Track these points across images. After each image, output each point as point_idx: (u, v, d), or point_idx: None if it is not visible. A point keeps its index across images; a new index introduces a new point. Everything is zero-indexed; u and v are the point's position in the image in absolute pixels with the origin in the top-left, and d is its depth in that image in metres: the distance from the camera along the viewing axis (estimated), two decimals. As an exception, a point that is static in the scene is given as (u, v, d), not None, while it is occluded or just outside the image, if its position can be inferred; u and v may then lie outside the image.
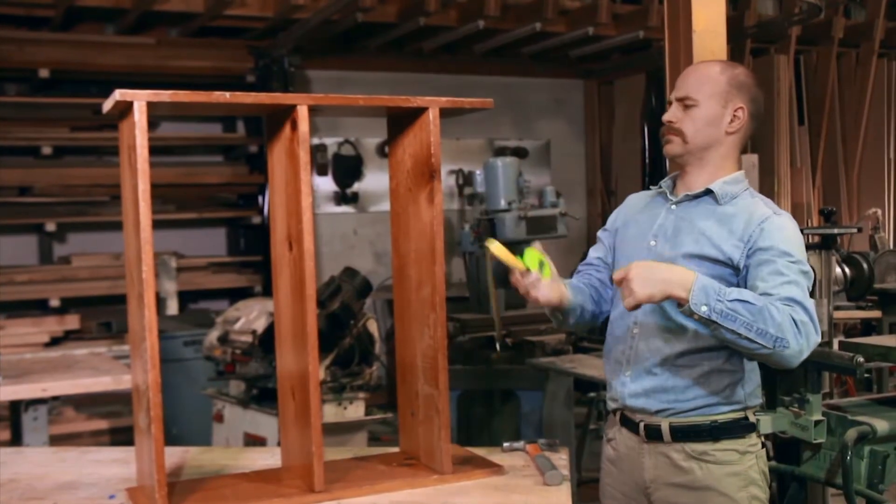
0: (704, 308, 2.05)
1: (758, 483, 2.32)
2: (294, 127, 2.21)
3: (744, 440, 2.31)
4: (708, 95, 2.31)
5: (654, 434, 2.32)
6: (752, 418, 2.34)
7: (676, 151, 2.35)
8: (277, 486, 2.29)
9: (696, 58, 4.22)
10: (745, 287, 2.20)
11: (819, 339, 2.16)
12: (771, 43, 8.25)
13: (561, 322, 2.51)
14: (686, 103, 2.32)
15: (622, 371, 2.37)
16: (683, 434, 2.29)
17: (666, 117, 2.35)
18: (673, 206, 2.37)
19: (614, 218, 2.56)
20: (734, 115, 2.32)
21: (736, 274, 2.24)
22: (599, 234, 2.59)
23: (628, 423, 2.38)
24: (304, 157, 2.19)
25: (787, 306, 2.10)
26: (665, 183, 2.45)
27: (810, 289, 2.23)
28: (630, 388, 2.34)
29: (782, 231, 2.22)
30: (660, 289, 2.06)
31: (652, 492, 2.35)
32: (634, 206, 2.52)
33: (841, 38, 8.38)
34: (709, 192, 2.32)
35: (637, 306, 2.12)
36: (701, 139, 2.32)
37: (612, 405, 2.44)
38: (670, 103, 2.38)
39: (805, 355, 2.12)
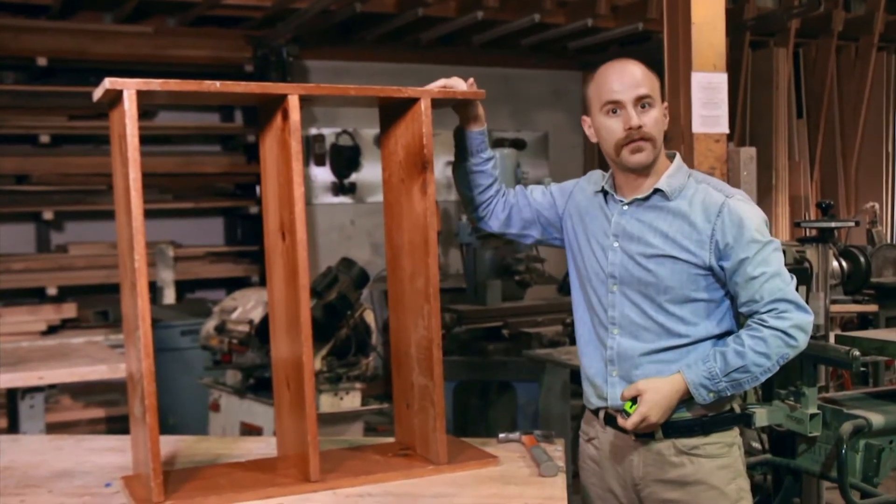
0: (712, 395, 2.23)
1: (743, 474, 2.34)
2: (285, 117, 2.20)
3: (731, 432, 2.33)
4: (657, 95, 2.27)
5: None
6: (737, 409, 2.36)
7: (649, 159, 2.26)
8: (272, 475, 2.29)
9: (695, 51, 4.22)
10: (729, 290, 2.27)
11: (811, 317, 2.24)
12: (770, 36, 8.24)
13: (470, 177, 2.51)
14: (646, 102, 2.24)
15: (608, 372, 2.34)
16: (675, 430, 2.28)
17: (634, 122, 2.21)
18: (625, 207, 2.33)
19: (571, 188, 2.51)
20: (665, 114, 2.31)
21: (710, 272, 2.25)
22: (553, 187, 2.54)
23: (614, 422, 2.35)
24: (295, 146, 2.19)
25: (773, 317, 2.19)
26: (607, 184, 2.39)
27: (780, 250, 2.27)
28: (619, 387, 2.31)
29: (742, 215, 2.22)
30: (669, 407, 2.24)
31: (641, 488, 2.34)
32: (586, 195, 2.45)
33: (840, 32, 8.36)
34: (657, 190, 2.29)
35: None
36: (660, 141, 2.29)
37: (594, 404, 2.41)
38: (614, 106, 2.25)
39: (809, 334, 2.24)
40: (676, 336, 2.26)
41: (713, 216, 2.22)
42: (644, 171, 2.29)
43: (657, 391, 2.21)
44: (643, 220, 2.30)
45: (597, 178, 2.45)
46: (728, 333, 2.29)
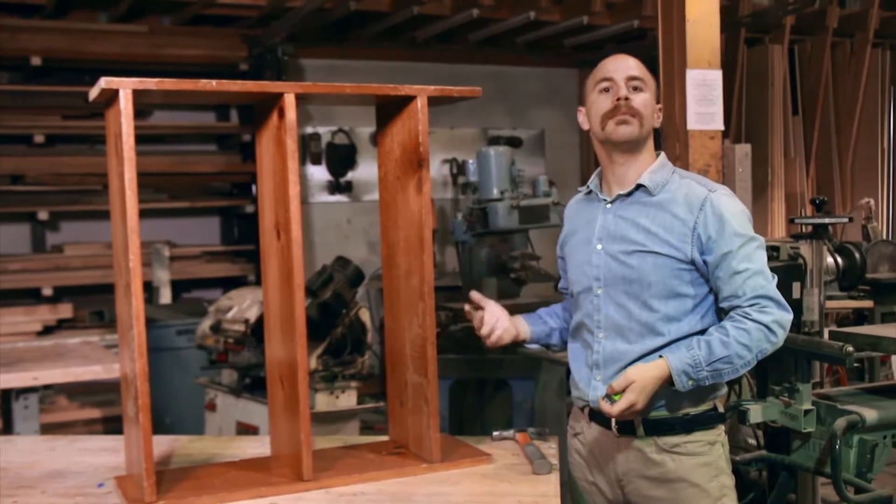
0: (691, 383, 2.20)
1: (726, 472, 2.34)
2: (281, 115, 2.20)
3: (713, 431, 2.32)
4: (649, 85, 2.32)
5: (626, 429, 2.31)
6: (720, 408, 2.36)
7: (633, 134, 2.29)
8: (266, 474, 2.29)
9: (690, 48, 4.22)
10: (711, 285, 2.27)
11: (791, 315, 2.24)
12: (765, 32, 8.24)
13: (554, 349, 2.66)
14: (636, 84, 2.29)
15: (592, 375, 2.36)
16: (656, 428, 2.28)
17: (623, 93, 2.27)
18: (608, 206, 2.35)
19: (562, 236, 2.56)
20: (658, 112, 2.35)
21: (692, 266, 2.25)
22: (558, 260, 2.61)
23: (598, 418, 2.36)
24: (291, 145, 2.19)
25: (756, 311, 2.19)
26: (592, 183, 2.42)
27: (764, 247, 2.28)
28: (601, 390, 2.31)
29: (724, 209, 2.23)
30: (653, 392, 2.20)
31: (625, 484, 2.35)
32: (574, 214, 2.51)
33: (835, 28, 8.37)
34: (640, 186, 2.31)
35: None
36: (648, 126, 2.31)
37: (580, 402, 2.43)
38: (608, 84, 2.30)
39: (786, 332, 2.24)
40: (660, 335, 2.27)
41: (696, 209, 2.24)
42: (628, 149, 2.31)
43: (644, 378, 2.19)
44: (625, 216, 2.31)
45: (578, 194, 2.51)
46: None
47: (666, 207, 2.27)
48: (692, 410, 2.29)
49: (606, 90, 2.31)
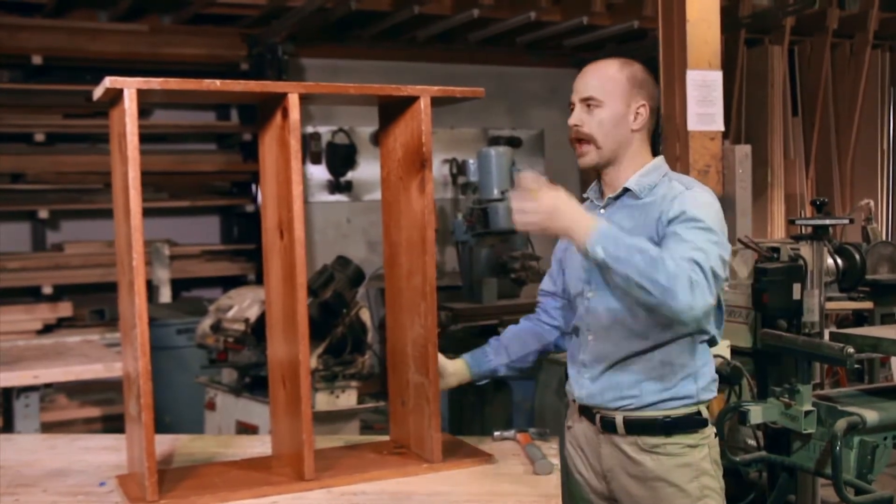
0: (599, 249, 2.03)
1: (709, 473, 2.33)
2: (285, 115, 2.20)
3: (696, 434, 2.32)
4: (612, 95, 2.29)
5: (609, 426, 2.34)
6: (704, 413, 2.35)
7: (593, 161, 2.31)
8: (267, 474, 2.29)
9: (690, 48, 4.23)
10: None
11: (713, 302, 2.07)
12: (765, 33, 8.25)
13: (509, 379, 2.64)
14: (590, 104, 2.28)
15: (582, 374, 2.39)
16: (637, 428, 2.30)
17: (572, 121, 2.30)
18: (602, 211, 2.36)
19: (558, 242, 2.55)
20: (637, 113, 2.31)
21: None
22: (552, 262, 2.60)
23: (586, 413, 2.40)
24: (294, 145, 2.19)
25: (686, 263, 2.04)
26: (592, 192, 2.44)
27: (727, 259, 2.16)
28: (589, 388, 2.36)
29: (693, 200, 2.19)
30: (562, 226, 2.08)
31: (609, 480, 2.38)
32: None
33: (835, 29, 8.38)
34: (626, 189, 2.32)
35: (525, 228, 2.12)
36: (611, 142, 2.30)
37: (571, 395, 2.46)
38: (572, 106, 2.33)
39: (697, 314, 2.04)
40: (645, 339, 2.27)
41: (667, 203, 2.22)
42: (603, 170, 2.34)
43: (568, 203, 2.07)
44: (613, 219, 2.31)
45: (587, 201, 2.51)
46: (701, 332, 2.28)
47: (648, 210, 2.27)
48: (673, 413, 2.29)
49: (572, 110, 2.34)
